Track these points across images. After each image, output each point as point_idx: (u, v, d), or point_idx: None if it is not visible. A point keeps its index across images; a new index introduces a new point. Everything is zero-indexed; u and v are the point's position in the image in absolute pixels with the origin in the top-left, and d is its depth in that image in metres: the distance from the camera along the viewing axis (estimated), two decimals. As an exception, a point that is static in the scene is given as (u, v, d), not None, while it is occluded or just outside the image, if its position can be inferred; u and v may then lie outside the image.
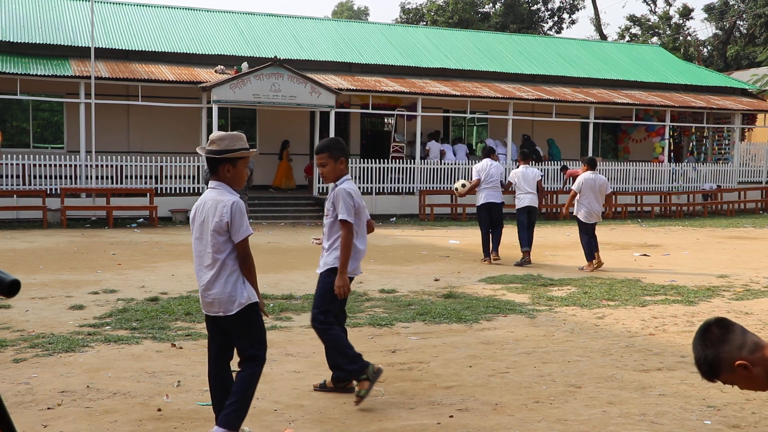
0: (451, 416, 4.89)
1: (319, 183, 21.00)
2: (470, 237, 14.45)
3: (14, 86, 18.55)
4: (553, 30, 56.01)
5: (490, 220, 12.63)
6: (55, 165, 18.86)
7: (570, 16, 56.79)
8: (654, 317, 8.14)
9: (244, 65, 20.60)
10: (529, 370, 5.98)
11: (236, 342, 4.35)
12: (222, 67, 21.46)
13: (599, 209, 12.06)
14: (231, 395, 4.27)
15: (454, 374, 5.87)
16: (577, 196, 11.97)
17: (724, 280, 10.75)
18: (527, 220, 12.51)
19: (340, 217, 5.12)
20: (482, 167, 12.74)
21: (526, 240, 12.41)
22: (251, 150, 4.30)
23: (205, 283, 4.24)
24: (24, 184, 18.52)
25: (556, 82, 26.51)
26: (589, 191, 11.86)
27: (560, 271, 11.62)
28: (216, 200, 4.17)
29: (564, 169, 23.09)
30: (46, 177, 18.72)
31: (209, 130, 19.15)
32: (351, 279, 5.29)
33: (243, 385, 4.28)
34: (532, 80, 26.25)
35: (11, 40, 20.28)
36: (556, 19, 56.31)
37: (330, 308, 5.23)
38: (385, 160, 21.91)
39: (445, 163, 22.40)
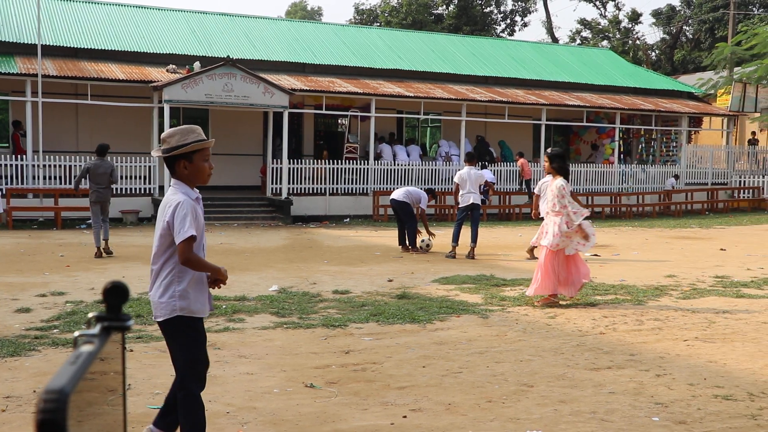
0: (405, 416, 4.90)
1: (272, 184, 20.88)
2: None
3: (-43, 84, 18.09)
4: (506, 32, 56.56)
5: (397, 215, 14.41)
6: (1, 165, 18.42)
7: (522, 19, 57.45)
8: (604, 316, 8.27)
9: (197, 65, 20.36)
10: (481, 370, 6.03)
11: (171, 354, 4.17)
12: (174, 66, 21.17)
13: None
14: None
15: (408, 374, 5.88)
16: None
17: (672, 280, 10.98)
18: (471, 217, 13.42)
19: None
20: None
21: (457, 236, 13.37)
22: (206, 141, 4.02)
23: (150, 284, 4.16)
24: (-32, 184, 18.07)
25: (509, 83, 26.76)
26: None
27: (513, 272, 11.74)
28: (168, 200, 4.03)
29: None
30: (-9, 177, 18.29)
31: (161, 130, 18.84)
32: None
33: (181, 415, 4.04)
34: (485, 82, 26.47)
35: (-46, 37, 19.76)
36: (508, 21, 56.89)
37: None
38: (339, 161, 21.88)
39: (398, 164, 22.45)
